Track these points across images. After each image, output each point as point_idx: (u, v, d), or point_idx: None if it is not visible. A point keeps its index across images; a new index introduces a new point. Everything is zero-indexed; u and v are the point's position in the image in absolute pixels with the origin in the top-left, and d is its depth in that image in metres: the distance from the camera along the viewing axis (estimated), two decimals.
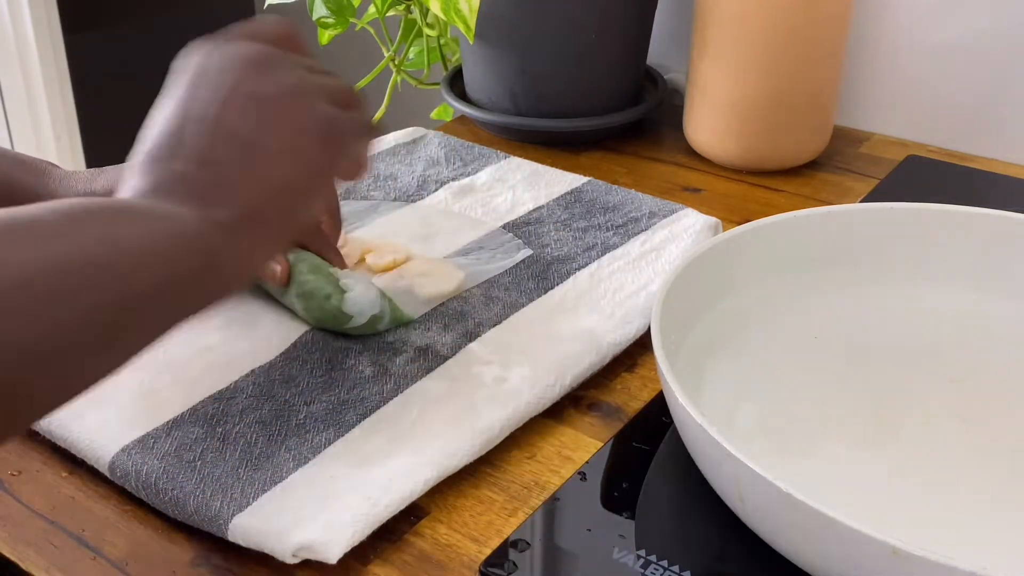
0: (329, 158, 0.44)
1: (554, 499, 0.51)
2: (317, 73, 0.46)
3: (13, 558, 0.48)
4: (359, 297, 0.59)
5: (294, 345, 0.59)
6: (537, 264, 0.67)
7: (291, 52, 0.46)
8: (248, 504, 0.47)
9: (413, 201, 0.76)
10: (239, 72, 0.43)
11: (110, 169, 0.59)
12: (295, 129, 0.43)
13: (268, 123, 0.42)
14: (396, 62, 0.98)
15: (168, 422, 0.53)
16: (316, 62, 0.47)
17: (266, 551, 0.46)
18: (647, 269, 0.67)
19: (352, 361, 0.58)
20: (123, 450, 0.51)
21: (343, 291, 0.59)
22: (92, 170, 0.59)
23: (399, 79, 0.99)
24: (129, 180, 0.42)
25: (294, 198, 0.43)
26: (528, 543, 0.48)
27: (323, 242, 0.62)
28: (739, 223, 0.63)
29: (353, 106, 0.47)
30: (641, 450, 0.54)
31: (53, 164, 0.59)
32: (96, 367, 0.37)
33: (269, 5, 1.00)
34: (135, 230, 0.38)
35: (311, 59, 0.47)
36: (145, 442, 0.51)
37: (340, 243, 0.64)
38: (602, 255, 0.68)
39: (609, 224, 0.72)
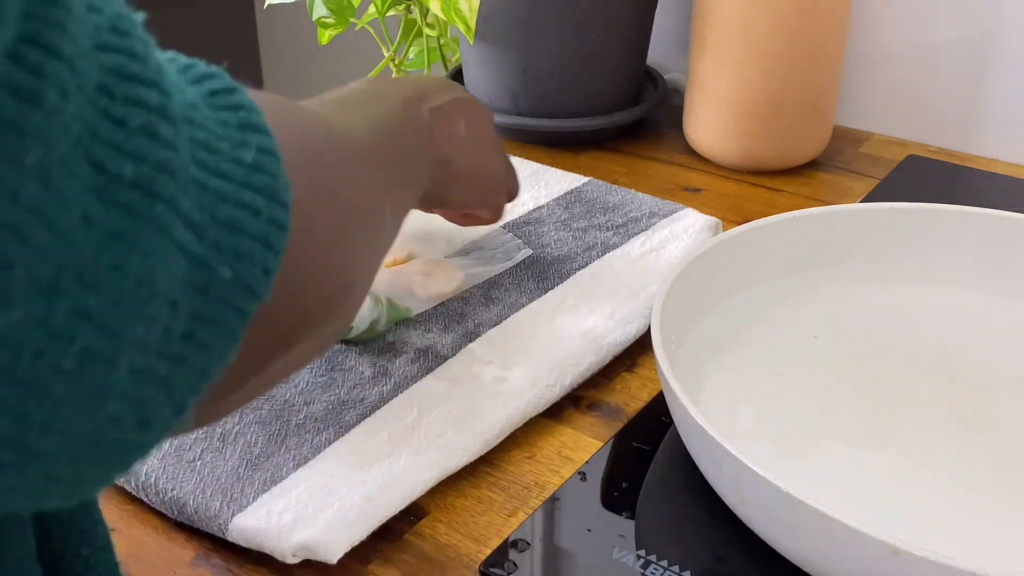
0: (504, 173, 0.60)
1: (554, 499, 0.51)
2: None
3: None
4: None
5: None
6: (537, 264, 0.67)
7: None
8: (248, 504, 0.47)
9: None
10: (485, 116, 0.58)
11: None
12: (490, 145, 0.58)
13: (489, 155, 0.58)
14: (396, 62, 0.98)
15: None
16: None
17: (266, 551, 0.46)
18: (647, 269, 0.67)
19: (352, 361, 0.58)
20: None
21: None
22: None
23: None
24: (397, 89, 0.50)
25: (471, 177, 0.56)
26: (528, 543, 0.48)
27: None
28: (739, 223, 0.63)
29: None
30: (641, 450, 0.54)
31: None
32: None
33: (269, 5, 1.00)
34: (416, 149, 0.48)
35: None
36: None
37: None
38: (602, 255, 0.68)
39: (609, 224, 0.72)
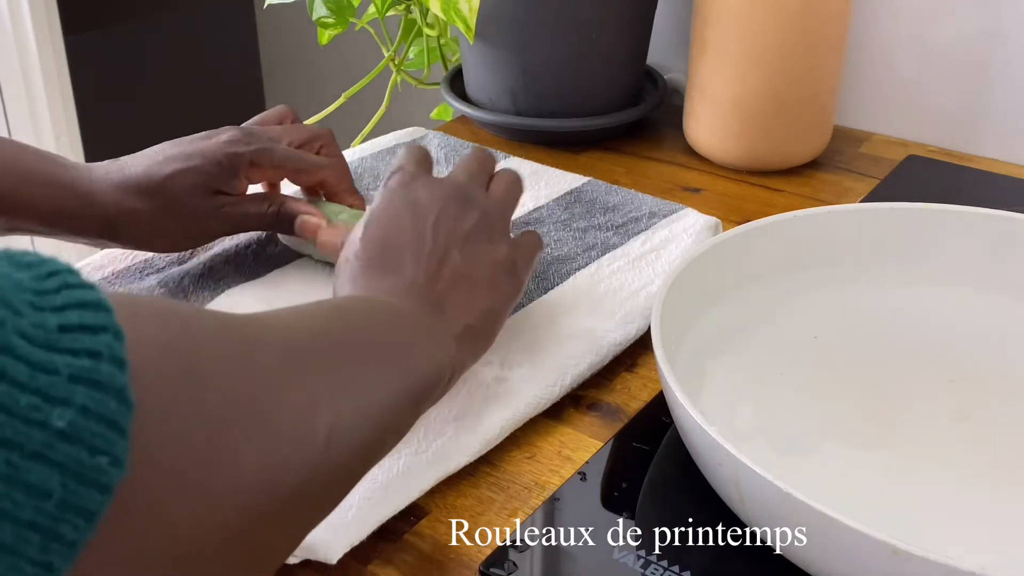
0: (514, 290, 0.53)
1: (554, 499, 0.51)
2: (497, 203, 0.55)
3: None
4: None
5: None
6: (537, 264, 0.67)
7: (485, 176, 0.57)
8: None
9: None
10: (453, 208, 0.52)
11: (128, 160, 0.61)
12: (493, 267, 0.52)
13: (476, 259, 0.51)
14: (396, 62, 0.98)
15: None
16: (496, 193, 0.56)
17: None
18: (647, 269, 0.67)
19: None
20: None
21: None
22: (110, 163, 0.61)
23: (399, 79, 0.99)
24: (367, 278, 0.49)
25: (493, 321, 0.51)
26: (528, 543, 0.48)
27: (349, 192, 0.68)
28: (739, 223, 0.63)
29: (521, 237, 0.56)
30: (641, 450, 0.54)
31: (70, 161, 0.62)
32: (371, 462, 0.41)
33: (269, 5, 1.00)
34: (419, 338, 0.46)
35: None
36: None
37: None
38: (602, 255, 0.68)
39: (609, 224, 0.72)
